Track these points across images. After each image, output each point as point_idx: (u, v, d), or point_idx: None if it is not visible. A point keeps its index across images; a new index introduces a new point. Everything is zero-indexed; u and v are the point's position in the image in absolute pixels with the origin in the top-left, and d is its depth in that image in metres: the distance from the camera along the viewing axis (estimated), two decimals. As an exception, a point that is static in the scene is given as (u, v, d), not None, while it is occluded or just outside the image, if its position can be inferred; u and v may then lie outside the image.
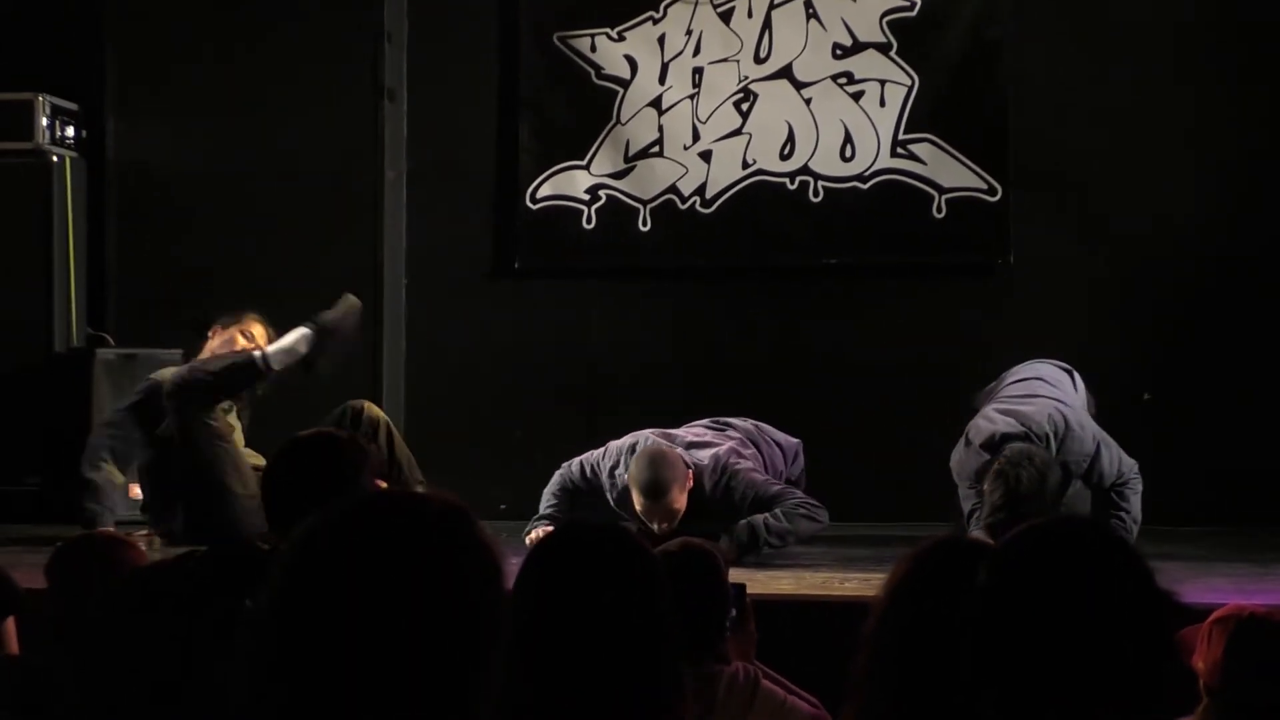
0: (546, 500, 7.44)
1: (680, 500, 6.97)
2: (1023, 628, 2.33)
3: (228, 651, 2.16)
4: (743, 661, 4.00)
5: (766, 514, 7.07)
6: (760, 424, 7.82)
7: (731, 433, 7.54)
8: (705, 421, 7.70)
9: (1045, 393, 7.56)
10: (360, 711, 1.98)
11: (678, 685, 2.70)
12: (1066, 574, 2.35)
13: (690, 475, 7.10)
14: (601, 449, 7.47)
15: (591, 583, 2.69)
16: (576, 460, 7.50)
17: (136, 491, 8.52)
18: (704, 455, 7.23)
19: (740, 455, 7.32)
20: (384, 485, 5.34)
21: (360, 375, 8.68)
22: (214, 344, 7.87)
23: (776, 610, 5.45)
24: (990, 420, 7.34)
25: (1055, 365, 7.88)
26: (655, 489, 6.90)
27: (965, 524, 7.35)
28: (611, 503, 7.37)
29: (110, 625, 3.46)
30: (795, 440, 7.85)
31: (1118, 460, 7.30)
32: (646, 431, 7.42)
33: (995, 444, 7.20)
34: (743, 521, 7.03)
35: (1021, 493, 6.94)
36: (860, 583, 6.38)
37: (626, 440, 7.41)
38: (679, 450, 7.22)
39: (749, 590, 4.29)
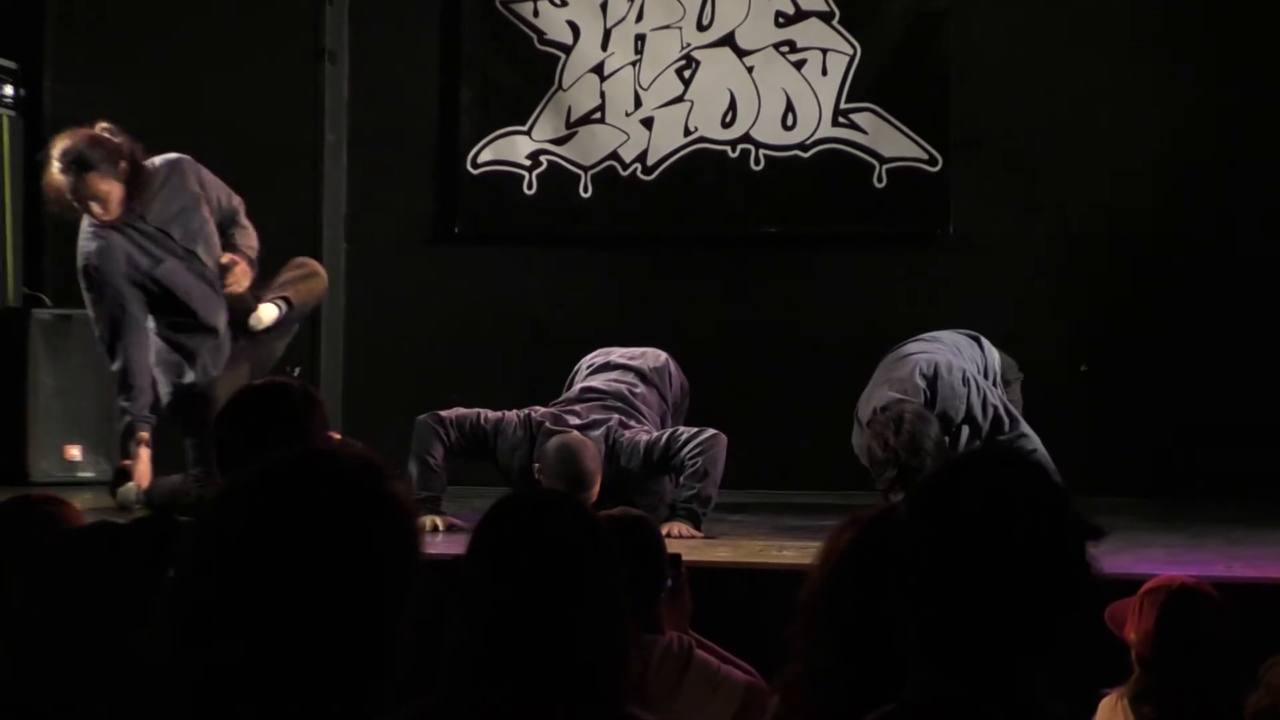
0: (428, 449, 7.13)
1: (597, 490, 6.92)
2: (941, 555, 2.33)
3: (148, 620, 2.17)
4: (677, 631, 4.02)
5: (682, 481, 7.00)
6: (612, 357, 7.76)
7: (610, 402, 7.48)
8: (574, 393, 7.62)
9: (914, 350, 7.69)
10: (278, 669, 1.98)
11: (625, 638, 2.72)
12: (980, 502, 2.35)
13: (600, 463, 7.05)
14: (474, 411, 7.30)
15: (544, 545, 2.70)
16: (460, 420, 7.24)
17: (74, 453, 8.49)
18: (596, 434, 7.20)
19: (625, 425, 7.31)
20: (335, 435, 5.32)
21: (300, 340, 8.64)
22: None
23: (714, 578, 5.47)
24: (868, 397, 7.47)
25: (956, 332, 7.97)
26: (581, 482, 6.81)
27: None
28: (502, 470, 7.30)
29: (35, 591, 3.44)
30: (659, 354, 7.80)
31: (990, 403, 7.41)
32: (539, 410, 7.35)
33: (875, 418, 7.32)
34: (673, 503, 6.99)
35: (895, 449, 7.06)
36: (797, 551, 6.39)
37: (513, 416, 7.29)
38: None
39: (686, 560, 4.31)
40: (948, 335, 7.93)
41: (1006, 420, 7.52)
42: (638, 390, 7.57)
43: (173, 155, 7.67)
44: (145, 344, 7.52)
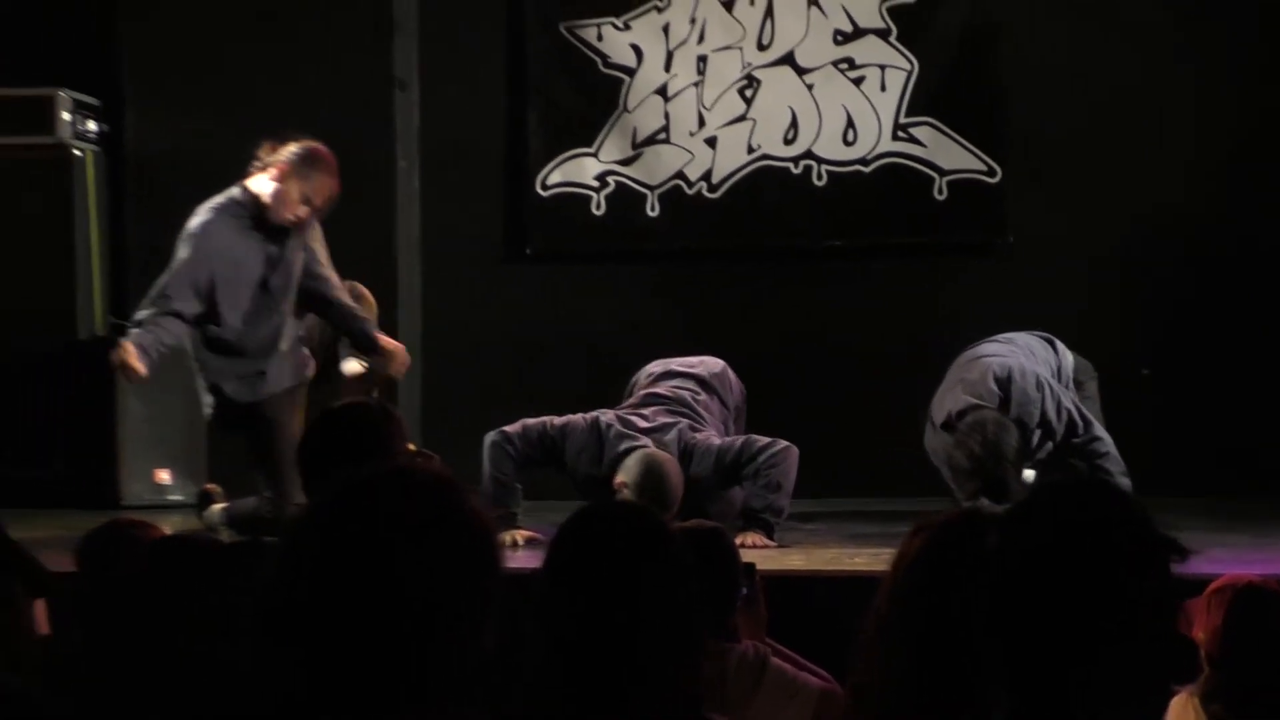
0: (499, 468, 7.12)
1: (676, 511, 6.85)
2: (1032, 584, 2.34)
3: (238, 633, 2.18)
4: (753, 639, 4.01)
5: (755, 492, 6.97)
6: (671, 365, 7.71)
7: (674, 407, 7.43)
8: (639, 398, 7.57)
9: (989, 351, 7.64)
10: (361, 679, 1.99)
11: (698, 647, 2.72)
12: (1071, 528, 2.36)
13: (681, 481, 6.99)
14: (540, 421, 7.26)
15: (620, 559, 2.70)
16: (526, 432, 7.20)
17: (163, 477, 8.54)
18: (668, 438, 7.16)
19: (694, 429, 7.28)
20: (413, 448, 5.34)
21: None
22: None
23: (788, 586, 5.46)
24: (941, 399, 7.43)
25: (1030, 334, 7.93)
26: (664, 502, 6.71)
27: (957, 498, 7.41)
28: (569, 474, 7.27)
29: (128, 603, 3.46)
30: (717, 361, 7.76)
31: (1064, 407, 7.36)
32: (607, 414, 7.28)
33: (951, 423, 7.28)
34: (747, 513, 6.95)
35: (980, 460, 7.02)
36: (869, 558, 6.38)
37: (579, 420, 7.25)
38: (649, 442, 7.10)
39: (760, 569, 4.30)
40: (1022, 337, 7.88)
41: (1080, 424, 7.46)
42: (700, 397, 7.54)
43: None
44: (198, 298, 7.35)
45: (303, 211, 7.30)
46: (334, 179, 7.33)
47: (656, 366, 7.81)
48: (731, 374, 7.77)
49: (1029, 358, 7.66)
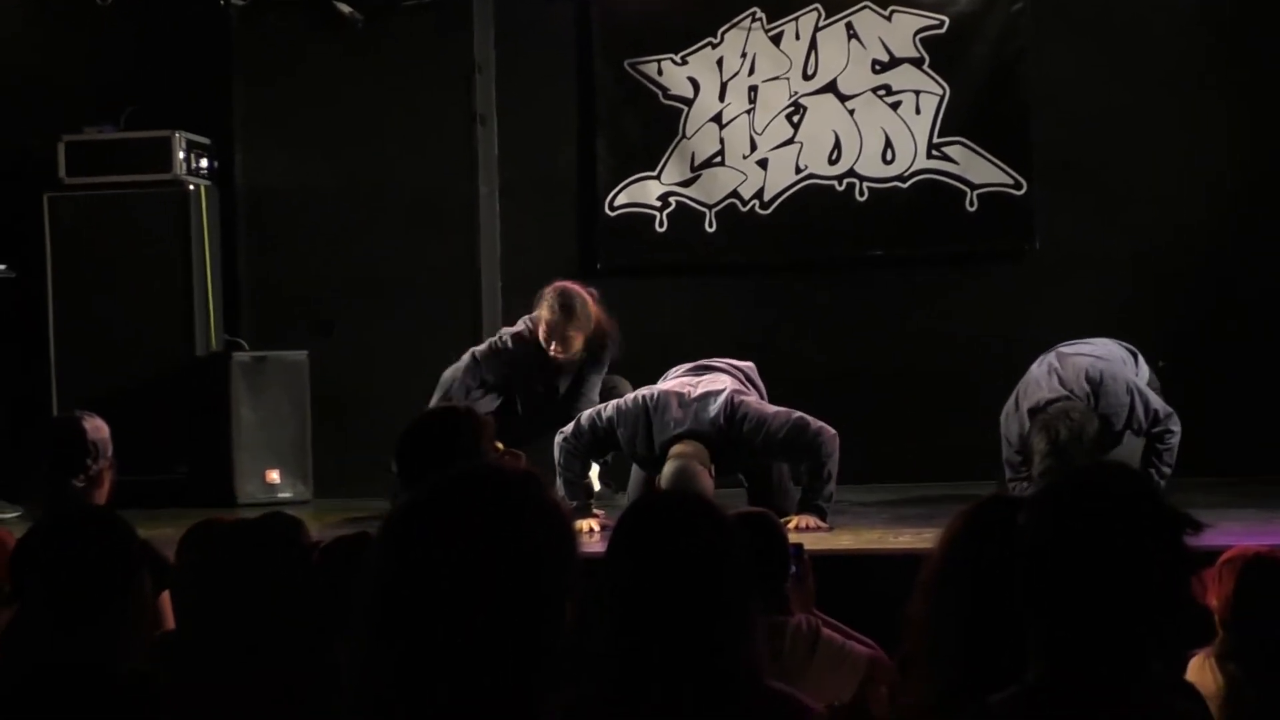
0: (565, 465, 7.14)
1: None
2: (1056, 560, 2.35)
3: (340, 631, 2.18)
4: (804, 613, 4.01)
5: (807, 481, 6.94)
6: (700, 361, 7.66)
7: (721, 377, 7.38)
8: (687, 368, 7.54)
9: (1086, 351, 7.56)
10: (460, 659, 2.00)
11: (752, 622, 2.72)
12: (1091, 508, 2.38)
13: (711, 477, 6.92)
14: (592, 411, 7.26)
15: (682, 542, 2.70)
16: (580, 428, 7.21)
17: (273, 477, 8.59)
18: (714, 409, 7.07)
19: (741, 392, 7.22)
20: (500, 447, 5.36)
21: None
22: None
23: (837, 564, 5.46)
24: (1037, 385, 7.33)
25: (1118, 344, 7.83)
26: None
27: (1005, 478, 7.36)
28: (628, 457, 7.32)
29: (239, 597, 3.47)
30: (749, 364, 7.72)
31: (1151, 408, 7.30)
32: (653, 391, 7.22)
33: (1038, 408, 7.21)
34: (803, 500, 6.93)
35: (1061, 444, 6.97)
36: (912, 536, 6.38)
37: (627, 401, 7.22)
38: (696, 446, 7.03)
39: (810, 548, 4.30)
40: (1109, 344, 7.78)
41: (1162, 414, 7.33)
42: (737, 375, 7.50)
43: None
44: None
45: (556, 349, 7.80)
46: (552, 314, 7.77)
47: (685, 364, 7.72)
48: (756, 375, 7.68)
49: (1121, 365, 7.57)
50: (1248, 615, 3.97)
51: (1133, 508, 2.40)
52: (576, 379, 7.96)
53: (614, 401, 7.27)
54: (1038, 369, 7.50)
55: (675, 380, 7.37)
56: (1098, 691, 2.33)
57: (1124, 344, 7.84)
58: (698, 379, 7.32)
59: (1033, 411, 7.24)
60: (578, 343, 7.82)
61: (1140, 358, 7.82)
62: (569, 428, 7.24)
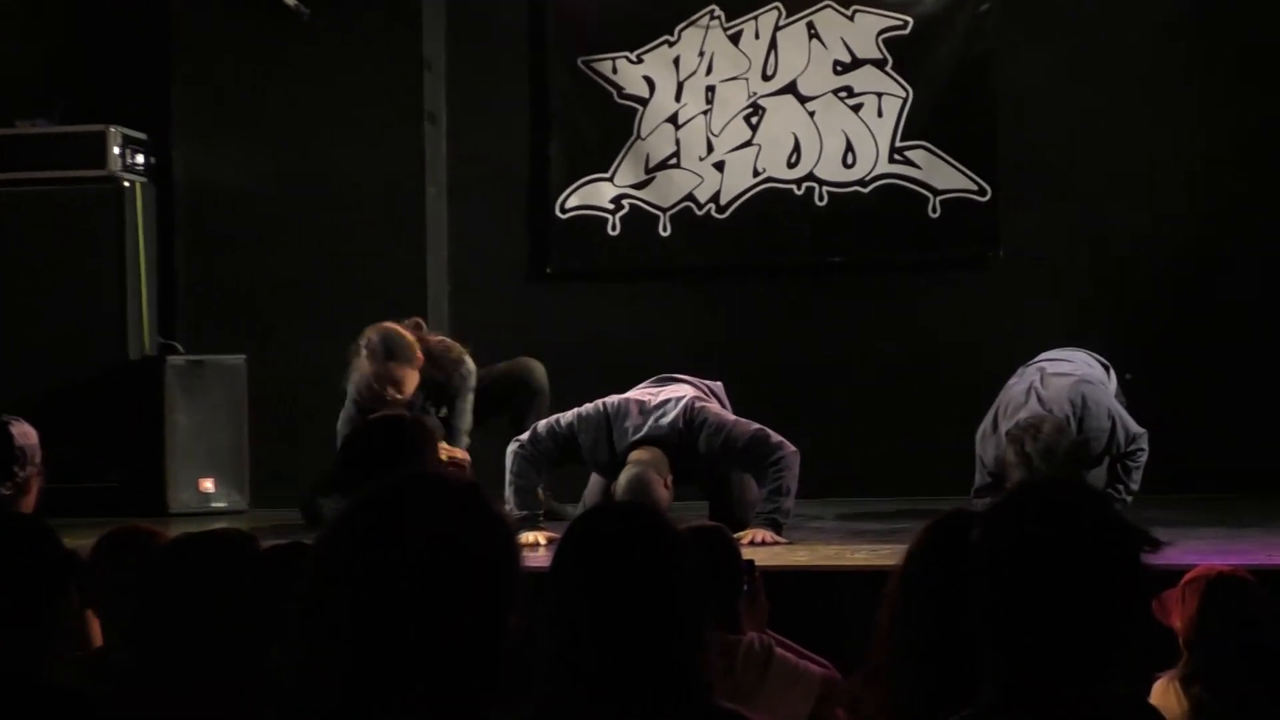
0: (518, 473, 7.14)
1: None
2: (1007, 577, 2.35)
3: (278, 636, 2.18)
4: (757, 631, 4.02)
5: (765, 495, 6.93)
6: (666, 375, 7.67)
7: (683, 387, 7.38)
8: (651, 380, 7.55)
9: (1068, 370, 7.57)
10: (397, 674, 2.00)
11: (702, 640, 2.71)
12: (1044, 524, 2.38)
13: (668, 485, 6.95)
14: (551, 420, 7.27)
15: (627, 555, 2.70)
16: (538, 435, 7.22)
17: (207, 486, 8.56)
18: (672, 414, 7.08)
19: (701, 399, 7.23)
20: (444, 457, 5.33)
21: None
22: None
23: (793, 580, 5.47)
24: (1017, 405, 7.32)
25: (1091, 356, 7.86)
26: None
27: (971, 496, 7.36)
28: (590, 466, 7.36)
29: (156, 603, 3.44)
30: (717, 382, 7.72)
31: (1129, 432, 7.34)
32: (613, 399, 7.25)
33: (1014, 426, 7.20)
34: (758, 515, 6.93)
35: (1030, 455, 6.97)
36: (869, 553, 6.38)
37: (589, 409, 7.23)
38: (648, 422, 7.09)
39: (766, 564, 4.31)
40: (1086, 358, 7.79)
41: (1135, 436, 7.38)
42: (701, 388, 7.50)
43: None
44: None
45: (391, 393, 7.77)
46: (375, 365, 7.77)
47: (649, 379, 7.72)
48: (723, 393, 7.66)
49: (1103, 386, 7.58)
50: (1212, 636, 3.98)
51: (1087, 523, 2.40)
52: (451, 411, 7.96)
53: (575, 410, 7.28)
54: (1018, 387, 7.47)
55: (637, 390, 7.40)
56: (1054, 713, 2.34)
57: (1096, 356, 7.88)
58: (659, 389, 7.35)
59: (1009, 434, 7.24)
60: (412, 380, 7.83)
61: (1111, 371, 7.86)
62: (525, 435, 7.25)
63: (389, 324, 7.90)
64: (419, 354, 7.86)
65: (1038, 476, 6.78)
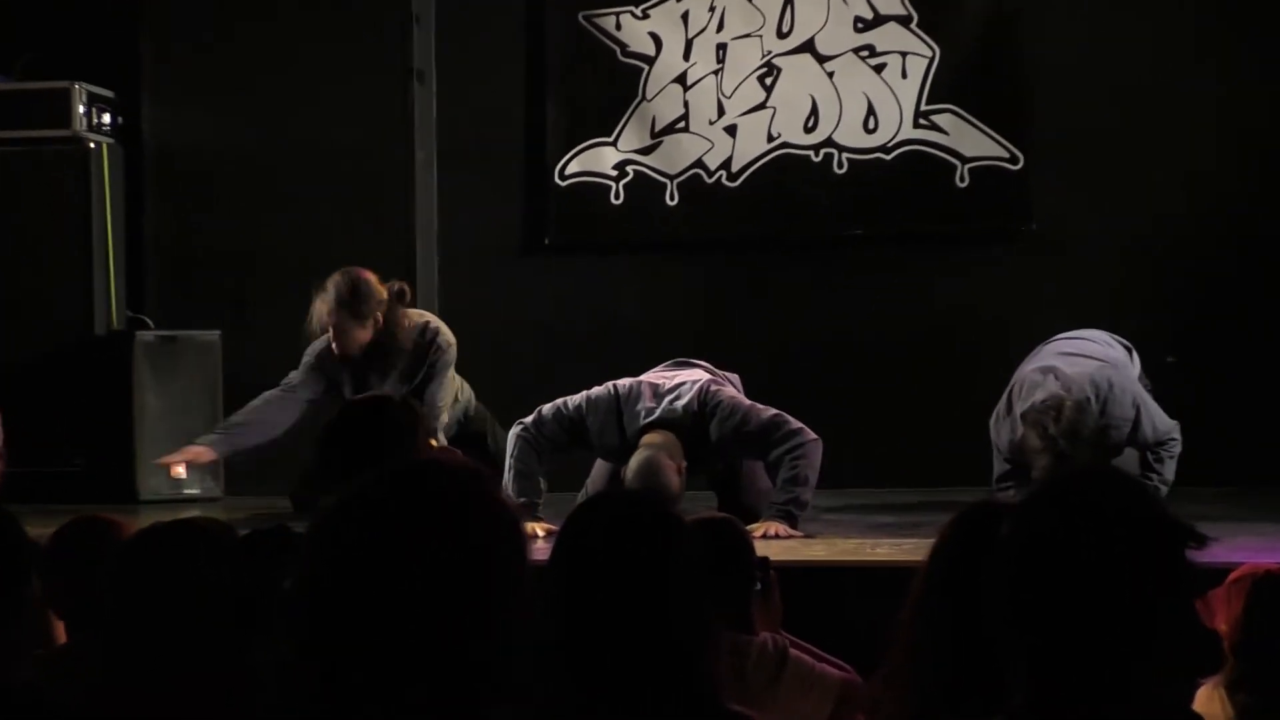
0: (520, 458, 7.14)
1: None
2: (1041, 574, 2.34)
3: (261, 631, 2.17)
4: (770, 631, 4.01)
5: (780, 484, 6.95)
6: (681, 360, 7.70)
7: (698, 372, 7.40)
8: (664, 365, 7.57)
9: (1091, 352, 7.55)
10: (397, 671, 2.00)
11: (708, 638, 2.71)
12: (1080, 516, 2.36)
13: (681, 471, 6.98)
14: (557, 403, 7.26)
15: (627, 546, 2.70)
16: (543, 417, 7.23)
17: (179, 471, 8.56)
18: (686, 398, 7.10)
19: (717, 383, 7.25)
20: (434, 444, 5.33)
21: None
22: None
23: (808, 577, 5.46)
24: (1034, 386, 7.29)
25: (1112, 337, 7.84)
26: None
27: (993, 486, 7.36)
28: (598, 453, 7.40)
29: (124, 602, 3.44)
30: (734, 375, 7.72)
31: (1156, 423, 7.31)
32: (624, 382, 7.26)
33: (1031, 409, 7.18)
34: (772, 506, 6.93)
35: (1054, 440, 6.95)
36: (891, 548, 6.38)
37: (598, 391, 7.25)
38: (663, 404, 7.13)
39: (780, 559, 4.31)
40: (1107, 340, 7.76)
41: (1165, 429, 7.36)
42: (717, 375, 7.51)
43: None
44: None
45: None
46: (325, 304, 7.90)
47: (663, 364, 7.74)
48: (739, 385, 7.66)
49: (1127, 371, 7.56)
50: (1259, 640, 3.97)
51: (1128, 516, 2.38)
52: (415, 390, 7.96)
53: (583, 392, 7.29)
54: (1033, 369, 7.45)
55: (650, 373, 7.42)
56: (1089, 722, 2.33)
57: (1118, 338, 7.85)
58: (674, 372, 7.36)
59: (1025, 417, 7.22)
60: (353, 340, 7.92)
61: (1134, 354, 7.83)
62: (529, 418, 7.25)
63: (367, 273, 7.95)
64: (377, 316, 7.91)
65: (1063, 460, 6.80)
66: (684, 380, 7.22)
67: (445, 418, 8.04)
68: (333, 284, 7.89)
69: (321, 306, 7.90)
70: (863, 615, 3.82)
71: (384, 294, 7.94)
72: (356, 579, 2.02)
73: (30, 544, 3.44)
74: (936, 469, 8.51)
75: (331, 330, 7.91)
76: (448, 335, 8.11)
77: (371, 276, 7.95)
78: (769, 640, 3.95)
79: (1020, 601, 2.36)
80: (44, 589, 3.82)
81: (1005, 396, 7.50)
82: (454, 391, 8.21)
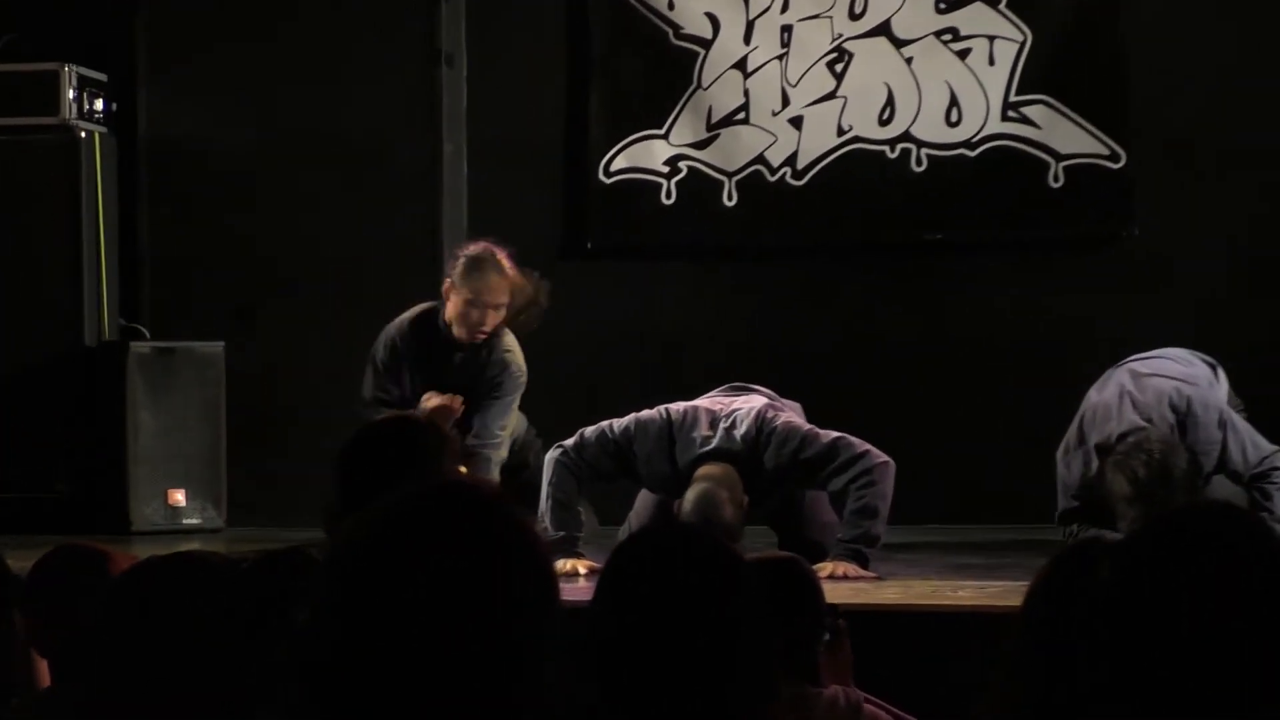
0: (559, 486, 7.16)
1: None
2: (1148, 624, 2.33)
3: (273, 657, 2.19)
4: (840, 685, 4.01)
5: (847, 517, 6.95)
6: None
7: (756, 398, 7.41)
8: (720, 389, 7.60)
9: (1168, 371, 7.51)
10: (416, 711, 2.01)
11: (769, 692, 2.71)
12: (1192, 559, 2.35)
13: (743, 506, 6.98)
14: (601, 426, 7.29)
15: (677, 588, 2.70)
16: (585, 441, 7.26)
17: (178, 498, 8.60)
18: (744, 426, 7.10)
19: (775, 408, 7.26)
20: (464, 470, 5.36)
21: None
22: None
23: (881, 622, 5.46)
24: (1107, 414, 7.27)
25: (1193, 354, 7.81)
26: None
27: (1056, 522, 7.33)
28: (645, 483, 7.42)
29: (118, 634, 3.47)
30: (795, 403, 7.74)
31: (1249, 446, 7.26)
32: (676, 407, 7.27)
33: (1109, 445, 7.14)
34: (839, 543, 6.92)
35: (1144, 485, 6.90)
36: (975, 591, 6.36)
37: (648, 415, 7.26)
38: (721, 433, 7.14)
39: (849, 602, 4.30)
40: (1188, 358, 7.73)
41: (1266, 454, 7.30)
42: (777, 402, 7.52)
43: None
44: None
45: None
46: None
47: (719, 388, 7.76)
48: (801, 413, 7.66)
49: (1210, 389, 7.53)
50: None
51: (1248, 556, 2.38)
52: (470, 413, 7.96)
53: (631, 415, 7.28)
54: (1104, 394, 7.43)
55: (705, 398, 7.42)
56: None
57: (1201, 355, 7.82)
58: (731, 398, 7.36)
59: (1102, 449, 7.19)
60: (493, 319, 7.94)
61: (1220, 371, 7.79)
62: (569, 441, 7.26)
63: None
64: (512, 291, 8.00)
65: (1156, 508, 6.75)
66: (740, 406, 7.22)
67: (505, 451, 8.00)
68: (508, 260, 7.96)
69: (499, 281, 7.92)
70: (942, 667, 3.83)
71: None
72: (376, 608, 2.04)
73: (12, 577, 3.46)
74: (1024, 503, 8.49)
75: (486, 311, 7.90)
76: (520, 360, 8.09)
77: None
78: (840, 695, 3.94)
79: (1121, 656, 2.35)
80: (26, 626, 3.84)
81: (1075, 426, 7.47)
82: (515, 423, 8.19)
